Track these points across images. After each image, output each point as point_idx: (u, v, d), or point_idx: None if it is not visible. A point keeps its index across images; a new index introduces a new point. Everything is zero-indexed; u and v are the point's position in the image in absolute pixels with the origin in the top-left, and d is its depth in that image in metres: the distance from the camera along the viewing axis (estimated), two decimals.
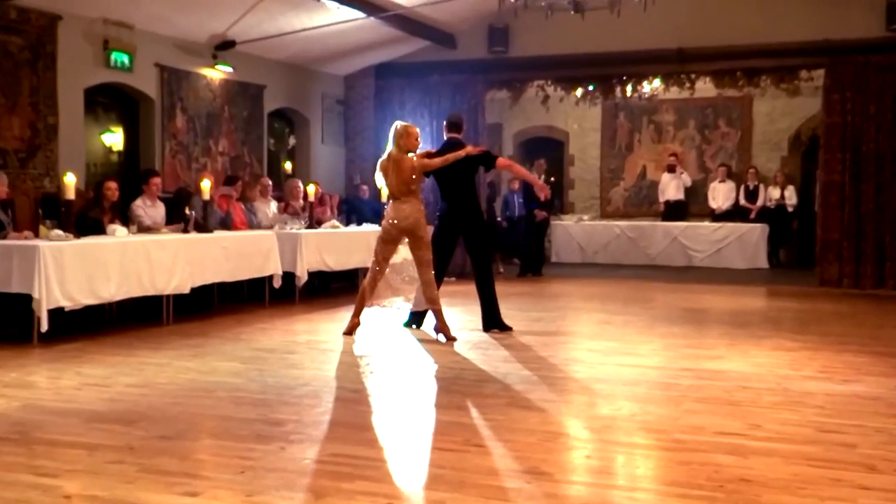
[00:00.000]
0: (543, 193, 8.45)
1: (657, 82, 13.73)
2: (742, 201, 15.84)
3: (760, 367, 6.26)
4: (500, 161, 8.10)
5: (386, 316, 8.40)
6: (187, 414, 4.88)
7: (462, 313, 9.07)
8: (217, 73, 11.62)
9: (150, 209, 9.13)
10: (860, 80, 11.85)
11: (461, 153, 7.52)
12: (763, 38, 12.09)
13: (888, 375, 6.02)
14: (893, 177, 11.72)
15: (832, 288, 11.87)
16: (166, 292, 8.17)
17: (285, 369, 6.12)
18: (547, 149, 16.95)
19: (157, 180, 9.28)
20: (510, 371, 6.09)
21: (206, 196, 9.05)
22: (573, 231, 16.30)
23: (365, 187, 13.14)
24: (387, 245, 7.63)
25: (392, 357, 6.76)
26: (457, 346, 7.20)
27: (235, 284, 9.68)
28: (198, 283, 8.57)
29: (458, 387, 5.62)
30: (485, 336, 7.67)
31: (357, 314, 7.65)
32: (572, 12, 9.50)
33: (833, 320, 9.09)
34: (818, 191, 12.67)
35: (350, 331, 7.60)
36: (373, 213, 12.11)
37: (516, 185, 15.20)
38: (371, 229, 11.26)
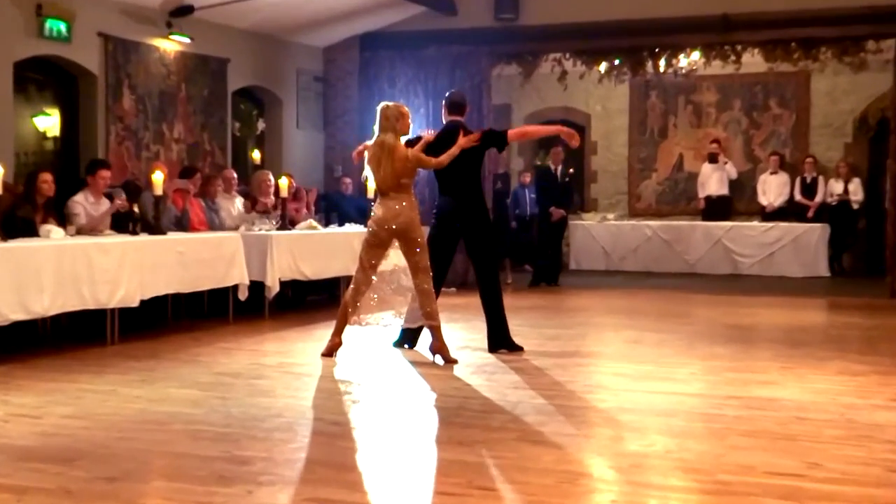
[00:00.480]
0: (574, 140, 7.84)
1: (696, 55, 13.75)
2: (798, 197, 15.85)
3: (820, 395, 6.25)
4: (512, 134, 8.14)
5: (373, 334, 8.40)
6: (136, 451, 4.86)
7: (464, 330, 9.07)
8: (172, 45, 11.63)
9: (93, 207, 9.13)
10: None
11: (455, 150, 7.49)
12: (824, 1, 12.10)
13: None
14: None
15: None
16: (111, 306, 8.16)
17: (253, 397, 6.11)
18: None
19: (106, 173, 9.29)
20: (521, 399, 6.09)
21: (159, 191, 9.05)
22: (596, 233, 16.32)
23: (348, 180, 13.15)
24: (374, 249, 7.61)
25: (380, 383, 6.75)
26: (457, 370, 7.19)
27: (193, 296, 9.67)
28: (148, 294, 8.56)
29: (460, 418, 5.62)
30: (491, 358, 7.67)
31: (338, 332, 7.65)
32: None
33: None
34: (889, 184, 12.68)
35: (330, 352, 7.59)
36: (357, 211, 12.14)
37: (527, 179, 15.25)
38: (355, 230, 11.29)
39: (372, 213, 7.64)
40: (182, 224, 9.96)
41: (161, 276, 8.69)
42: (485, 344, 8.01)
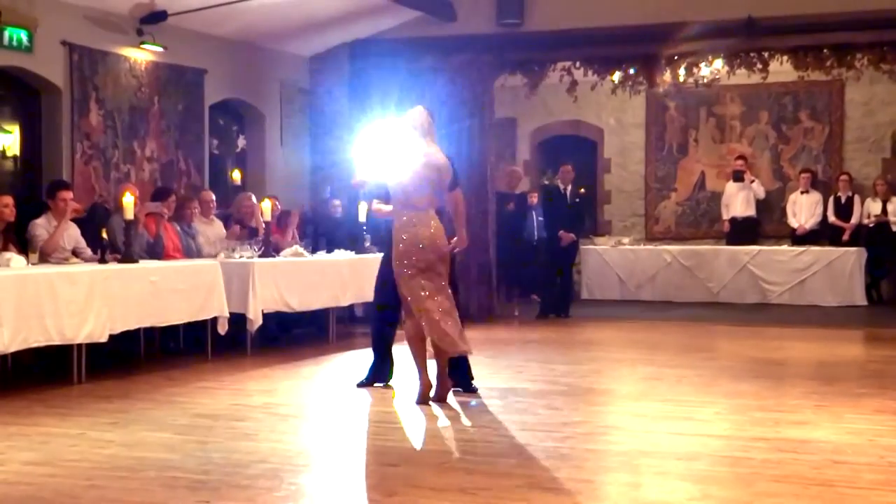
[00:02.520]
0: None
1: (719, 63, 13.83)
2: (832, 218, 15.91)
3: (859, 436, 6.27)
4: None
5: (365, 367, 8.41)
6: (106, 500, 4.86)
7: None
8: (143, 55, 11.71)
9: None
10: None
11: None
12: (858, 4, 12.17)
13: None
14: None
15: None
16: (77, 341, 8.18)
17: (234, 441, 6.12)
18: (575, 151, 17.05)
19: (66, 195, 9.33)
20: (530, 441, 6.10)
21: (129, 215, 9.10)
22: (610, 258, 16.36)
23: (337, 202, 13.20)
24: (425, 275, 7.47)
25: (375, 424, 6.76)
26: (461, 410, 7.21)
27: (168, 330, 9.70)
28: (119, 328, 8.58)
29: (463, 463, 5.63)
30: (496, 397, 7.68)
31: (425, 371, 7.49)
32: None
33: None
34: None
35: (425, 398, 7.40)
36: (347, 236, 12.16)
37: (534, 199, 15.32)
38: (345, 257, 11.32)
39: (406, 234, 7.50)
40: (155, 251, 9.98)
41: (132, 309, 8.70)
42: (490, 382, 8.03)
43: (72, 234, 9.40)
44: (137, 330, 9.10)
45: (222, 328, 9.66)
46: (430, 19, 13.57)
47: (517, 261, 14.51)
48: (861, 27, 12.45)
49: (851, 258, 15.15)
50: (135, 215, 9.28)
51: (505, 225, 14.45)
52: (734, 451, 5.91)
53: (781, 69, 13.80)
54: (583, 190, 14.65)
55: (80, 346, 8.24)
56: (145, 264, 9.16)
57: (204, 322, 9.59)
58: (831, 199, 15.97)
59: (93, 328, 8.24)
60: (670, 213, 17.37)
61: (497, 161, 15.20)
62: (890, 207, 15.53)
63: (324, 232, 12.92)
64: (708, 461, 5.63)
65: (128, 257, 8.96)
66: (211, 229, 11.06)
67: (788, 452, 5.84)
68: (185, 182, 12.26)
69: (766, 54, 13.33)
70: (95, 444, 6.06)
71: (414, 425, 6.73)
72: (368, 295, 11.61)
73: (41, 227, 9.14)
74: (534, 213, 15.06)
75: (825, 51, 13.10)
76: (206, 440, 6.16)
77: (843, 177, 15.86)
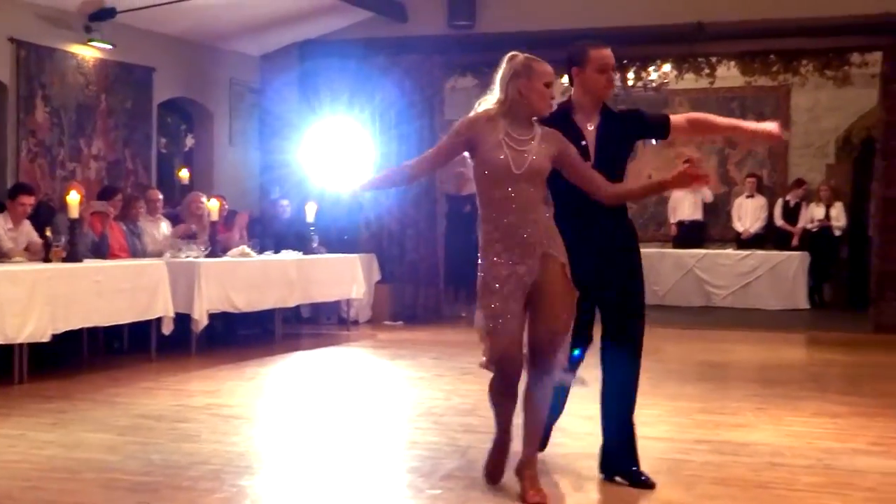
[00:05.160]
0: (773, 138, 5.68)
1: (668, 67, 13.93)
2: (779, 221, 16.06)
3: (797, 439, 6.34)
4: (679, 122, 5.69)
5: (317, 367, 8.40)
6: (43, 502, 4.83)
7: (411, 368, 9.09)
8: (91, 52, 11.61)
9: (9, 234, 9.13)
10: None
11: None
12: (805, 10, 12.28)
13: None
14: None
15: (891, 335, 12.05)
16: (19, 341, 8.08)
17: (176, 443, 6.08)
18: None
19: (27, 199, 9.29)
20: (472, 444, 6.11)
21: (75, 213, 9.01)
22: None
23: (286, 202, 13.14)
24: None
25: (318, 426, 6.75)
26: (404, 411, 7.22)
27: (112, 330, 9.62)
28: (61, 328, 8.49)
29: (406, 464, 5.64)
30: (440, 398, 7.67)
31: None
32: None
33: (891, 377, 9.24)
34: (873, 209, 12.90)
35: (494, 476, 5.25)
36: (295, 236, 12.12)
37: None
38: (292, 258, 11.28)
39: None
40: (101, 250, 9.89)
41: (76, 309, 8.61)
42: (435, 384, 8.03)
43: (24, 231, 9.34)
44: (81, 330, 9.01)
45: (167, 328, 9.59)
46: (381, 20, 13.55)
47: (466, 262, 14.50)
48: (807, 34, 12.57)
49: (795, 262, 15.32)
50: (80, 214, 9.19)
51: (454, 226, 14.46)
52: (675, 453, 5.94)
53: (729, 74, 13.94)
54: None
55: (21, 345, 8.14)
56: (90, 264, 9.07)
57: (148, 322, 9.51)
58: (779, 203, 16.12)
59: (35, 328, 8.14)
60: None
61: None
62: (833, 212, 15.72)
63: (272, 232, 12.87)
64: (649, 464, 5.64)
65: (72, 256, 8.87)
66: (157, 228, 10.98)
67: (728, 455, 5.89)
68: (131, 181, 12.17)
69: (713, 59, 13.44)
70: (35, 445, 6.00)
71: (358, 426, 6.72)
72: (316, 296, 11.69)
73: None
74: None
75: (771, 56, 13.23)
76: (148, 441, 6.11)
77: (796, 182, 15.97)
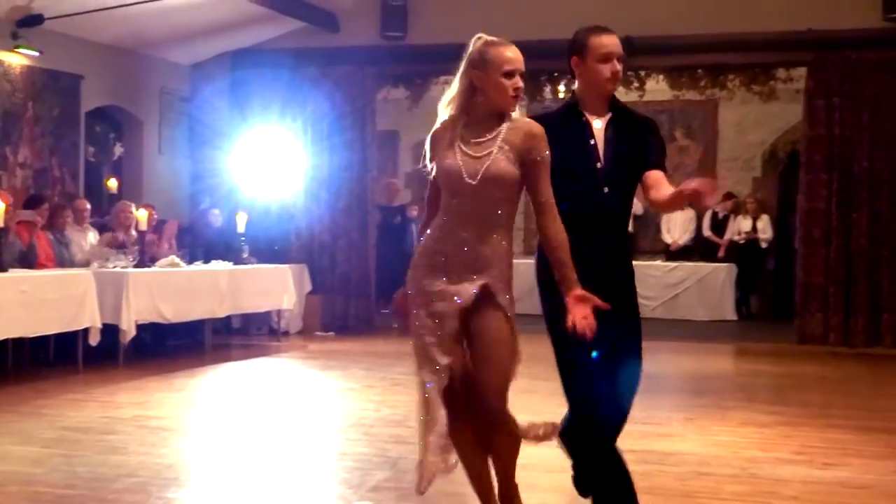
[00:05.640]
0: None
1: None
2: (707, 233, 16.25)
3: (723, 448, 6.42)
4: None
5: (244, 378, 8.35)
6: None
7: (342, 378, 9.08)
8: (18, 59, 11.45)
9: None
10: (851, 83, 12.35)
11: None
12: (731, 26, 12.46)
13: (881, 457, 6.25)
14: (891, 204, 12.19)
15: (815, 345, 12.25)
16: None
17: (102, 455, 6.01)
18: None
19: None
20: (403, 455, 6.11)
21: (0, 223, 8.88)
22: None
23: (216, 212, 13.06)
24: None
25: (246, 437, 6.71)
26: (336, 421, 7.19)
27: (38, 341, 9.47)
28: None
29: (336, 475, 5.63)
30: (370, 409, 7.66)
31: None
32: None
33: (815, 387, 9.40)
34: (799, 222, 13.12)
35: None
36: (225, 247, 12.05)
37: (415, 212, 15.38)
38: (222, 268, 11.20)
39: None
40: (28, 260, 9.75)
41: (1, 319, 8.49)
42: (365, 394, 8.02)
43: None
44: (5, 340, 8.86)
45: (94, 339, 9.48)
46: (313, 30, 13.52)
47: (397, 273, 14.50)
48: (733, 49, 12.74)
49: (722, 274, 15.51)
50: (6, 223, 9.06)
51: (385, 237, 14.45)
52: None
53: (658, 87, 14.06)
54: None
55: None
56: (15, 273, 8.94)
57: (75, 333, 9.39)
58: (707, 215, 16.31)
59: None
60: None
61: (378, 173, 15.20)
62: (759, 225, 15.94)
63: (202, 242, 12.78)
64: None
65: None
66: (85, 238, 10.85)
67: (655, 464, 5.94)
68: (58, 189, 12.00)
69: (642, 73, 13.56)
70: None
71: (288, 438, 6.69)
72: (246, 306, 11.62)
73: None
74: (413, 225, 15.08)
75: (699, 71, 13.40)
76: (73, 454, 6.04)
77: (726, 194, 16.17)
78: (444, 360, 4.08)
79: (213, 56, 14.07)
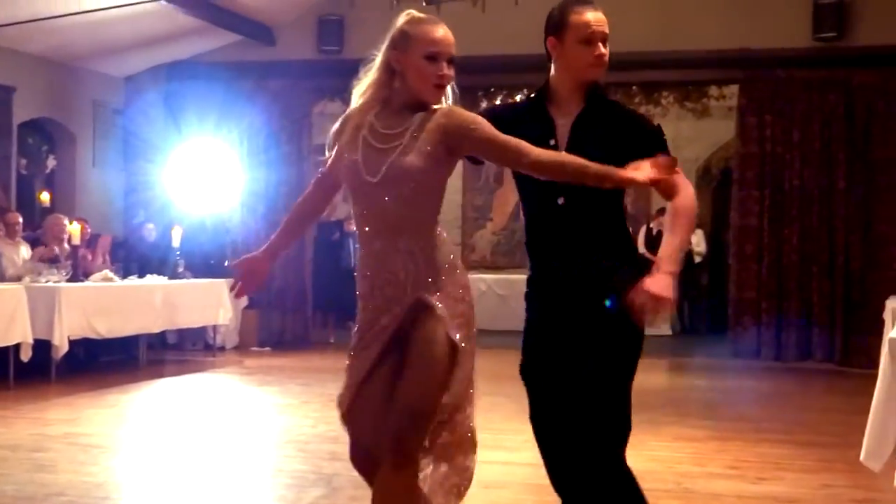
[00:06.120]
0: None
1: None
2: (642, 249, 16.34)
3: (656, 462, 6.43)
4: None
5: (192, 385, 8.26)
6: None
7: (279, 395, 9.00)
8: None
9: None
10: (782, 101, 12.53)
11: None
12: (664, 44, 12.60)
13: (812, 471, 6.30)
14: (821, 221, 12.36)
15: (748, 360, 12.38)
16: None
17: (31, 473, 5.90)
18: None
19: None
20: (338, 472, 6.06)
21: None
22: None
23: (151, 226, 12.92)
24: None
25: (182, 455, 6.62)
26: (268, 438, 7.13)
27: None
28: None
29: (273, 492, 5.57)
30: (307, 425, 7.61)
31: None
32: (424, 3, 9.71)
33: (748, 401, 9.48)
34: (732, 238, 13.25)
35: None
36: (160, 261, 11.93)
37: (351, 226, 15.33)
38: (157, 283, 11.08)
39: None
40: None
41: None
42: (302, 410, 7.95)
43: None
44: None
45: (25, 355, 9.31)
46: (249, 43, 13.46)
47: (333, 288, 14.45)
48: (667, 66, 12.87)
49: None
50: None
51: (322, 251, 14.38)
52: (540, 479, 5.90)
53: None
54: None
55: None
56: None
57: (6, 348, 9.22)
58: (643, 231, 16.41)
59: None
60: (486, 242, 17.59)
61: None
62: (693, 239, 16.06)
63: (136, 256, 12.63)
64: (514, 490, 5.69)
65: None
66: (16, 252, 10.66)
67: None
68: None
69: None
70: None
71: (224, 455, 6.61)
72: (181, 321, 11.49)
73: None
74: (350, 240, 15.02)
75: (634, 88, 13.51)
76: (1, 472, 5.92)
77: (658, 210, 16.29)
78: (350, 383, 3.48)
79: (148, 68, 13.96)
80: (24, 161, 12.90)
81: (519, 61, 12.99)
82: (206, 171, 13.34)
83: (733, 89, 13.06)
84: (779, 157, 12.53)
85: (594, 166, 3.30)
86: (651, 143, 3.60)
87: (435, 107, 3.49)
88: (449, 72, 3.47)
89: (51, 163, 13.53)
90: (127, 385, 9.65)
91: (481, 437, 6.92)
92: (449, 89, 3.55)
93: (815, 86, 12.42)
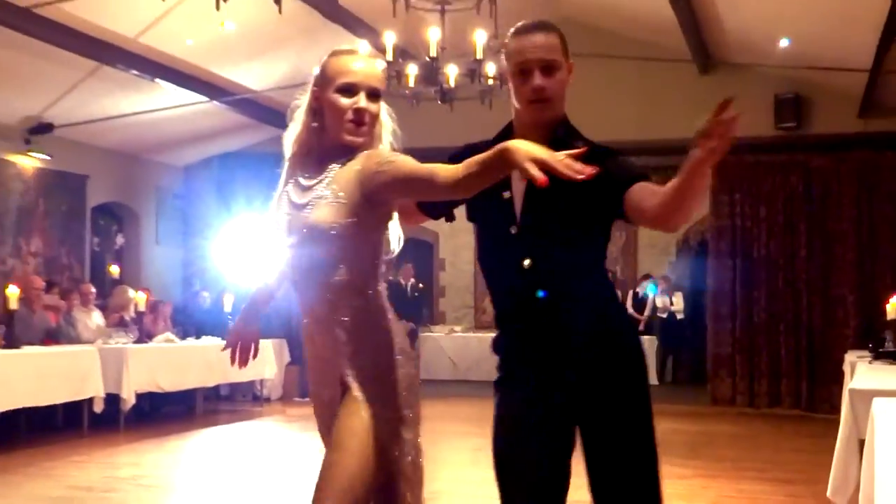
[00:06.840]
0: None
1: None
2: (630, 310, 16.33)
3: None
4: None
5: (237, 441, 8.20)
6: None
7: (318, 439, 8.99)
8: (30, 161, 11.39)
9: None
10: (749, 181, 12.57)
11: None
12: (644, 133, 12.68)
13: None
14: (786, 285, 12.35)
15: (725, 406, 12.29)
16: None
17: None
18: (415, 252, 17.14)
19: None
20: None
21: (15, 305, 8.76)
22: (444, 344, 16.41)
23: (206, 294, 12.97)
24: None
25: (246, 491, 6.59)
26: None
27: (47, 409, 9.30)
28: (2, 408, 8.19)
29: None
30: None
31: None
32: (439, 101, 9.78)
33: (727, 443, 9.41)
34: (708, 300, 13.22)
35: None
36: (213, 324, 11.94)
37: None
38: (212, 343, 11.10)
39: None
40: (56, 337, 9.65)
41: (14, 388, 8.30)
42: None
43: None
44: (18, 408, 8.68)
45: (98, 407, 9.33)
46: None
47: None
48: (647, 152, 12.75)
49: (645, 345, 15.50)
50: (26, 305, 8.96)
51: None
52: None
53: None
54: (421, 285, 14.75)
55: None
56: (29, 350, 8.80)
57: (81, 402, 9.23)
58: (630, 294, 16.40)
59: None
60: None
61: None
62: (675, 300, 16.08)
63: (193, 320, 12.66)
64: None
65: (14, 342, 8.60)
66: (90, 318, 10.71)
67: None
68: (67, 275, 11.88)
69: None
70: None
71: (274, 496, 6.58)
72: (233, 376, 11.46)
73: None
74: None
75: None
76: None
77: (645, 276, 16.30)
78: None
79: (203, 158, 14.10)
80: (96, 239, 13.01)
81: None
82: (253, 245, 13.40)
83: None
84: (748, 229, 12.57)
85: (488, 153, 2.41)
86: (620, 161, 2.78)
87: (365, 152, 2.64)
88: (370, 106, 2.65)
89: (119, 240, 13.63)
90: (186, 432, 9.62)
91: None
92: (389, 133, 2.76)
93: (778, 168, 12.50)
